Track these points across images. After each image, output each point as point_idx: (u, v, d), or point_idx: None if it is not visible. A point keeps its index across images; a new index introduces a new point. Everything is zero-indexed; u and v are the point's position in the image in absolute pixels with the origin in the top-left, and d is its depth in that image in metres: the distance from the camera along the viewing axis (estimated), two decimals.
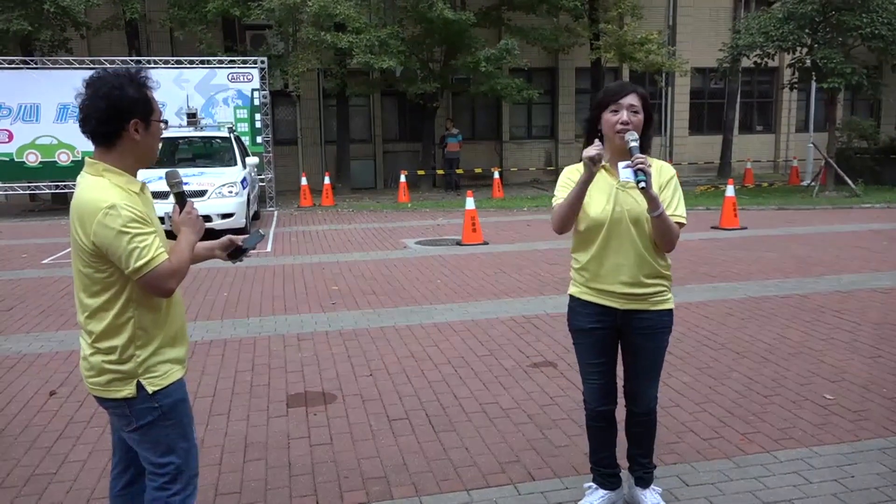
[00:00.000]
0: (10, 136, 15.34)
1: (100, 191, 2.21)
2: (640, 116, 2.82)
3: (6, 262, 9.95)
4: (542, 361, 5.24)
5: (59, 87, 15.09)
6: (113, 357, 2.28)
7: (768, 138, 24.98)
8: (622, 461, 3.23)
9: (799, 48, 16.18)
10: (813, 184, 17.35)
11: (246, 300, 7.35)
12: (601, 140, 2.92)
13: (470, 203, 10.88)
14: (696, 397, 4.49)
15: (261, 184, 15.78)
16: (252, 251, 2.73)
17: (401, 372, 5.08)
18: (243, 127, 16.37)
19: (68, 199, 17.66)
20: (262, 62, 16.68)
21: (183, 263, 2.30)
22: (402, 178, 17.51)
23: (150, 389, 2.31)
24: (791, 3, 15.79)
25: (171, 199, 2.42)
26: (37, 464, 3.76)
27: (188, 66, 16.29)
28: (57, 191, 16.59)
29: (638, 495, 3.18)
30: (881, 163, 18.97)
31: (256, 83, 16.51)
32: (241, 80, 16.47)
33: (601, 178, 2.90)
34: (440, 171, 20.60)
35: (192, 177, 11.35)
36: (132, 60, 16.19)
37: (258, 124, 16.63)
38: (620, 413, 3.14)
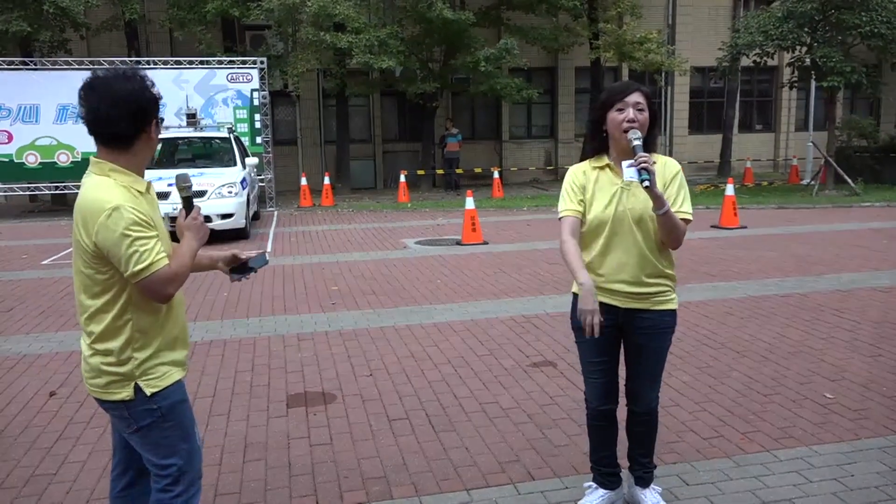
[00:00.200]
0: (10, 137, 15.35)
1: (104, 191, 2.20)
2: (646, 115, 2.82)
3: (6, 262, 9.95)
4: (541, 361, 5.24)
5: (59, 88, 15.11)
6: (111, 359, 2.27)
7: (768, 137, 24.98)
8: (622, 461, 3.23)
9: (798, 47, 16.18)
10: (813, 183, 17.35)
11: (246, 300, 7.36)
12: (606, 140, 2.91)
13: (470, 203, 10.88)
14: (696, 396, 4.49)
15: (260, 184, 15.78)
16: (253, 273, 2.68)
17: (401, 372, 5.08)
18: (243, 127, 16.38)
19: (68, 200, 17.79)
20: (262, 62, 16.69)
21: (182, 269, 2.28)
22: (402, 178, 17.51)
23: (147, 391, 2.30)
24: (790, 1, 15.79)
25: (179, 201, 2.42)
26: (36, 464, 3.76)
27: (187, 66, 16.29)
28: (57, 192, 16.60)
29: (638, 495, 3.17)
30: (881, 161, 18.96)
31: (256, 83, 16.52)
32: (241, 80, 16.47)
33: (605, 177, 2.90)
34: (440, 171, 20.60)
35: (192, 177, 11.30)
36: (132, 61, 16.21)
37: (258, 124, 16.63)
38: (621, 412, 3.14)
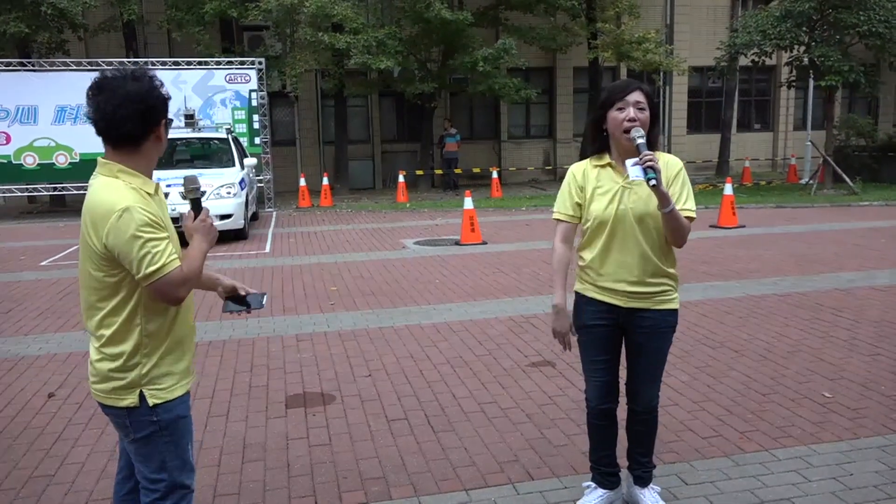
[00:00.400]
0: (8, 139, 15.32)
1: (114, 193, 2.15)
2: (647, 113, 2.81)
3: (4, 264, 9.94)
4: (540, 361, 5.24)
5: (57, 90, 15.10)
6: (118, 364, 2.23)
7: (766, 137, 25.00)
8: (621, 460, 3.23)
9: (796, 46, 16.19)
10: (811, 182, 17.36)
11: None
12: (607, 139, 2.91)
13: (468, 203, 10.88)
14: (695, 396, 4.49)
15: (259, 185, 15.77)
16: (244, 311, 2.61)
17: (399, 372, 5.08)
18: (241, 128, 16.36)
19: (66, 202, 17.76)
20: (260, 63, 16.68)
21: (194, 272, 2.24)
22: (401, 179, 17.51)
23: (151, 402, 2.26)
24: (788, 1, 15.80)
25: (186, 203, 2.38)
26: (35, 466, 3.75)
27: (186, 67, 16.28)
28: (55, 193, 16.58)
29: (637, 494, 3.17)
30: (879, 160, 18.98)
31: (254, 84, 16.51)
32: (239, 81, 16.46)
33: (607, 176, 2.90)
34: (439, 171, 20.61)
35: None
36: (130, 62, 16.19)
37: (256, 125, 16.62)
38: (621, 412, 3.14)
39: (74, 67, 15.69)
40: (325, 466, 3.68)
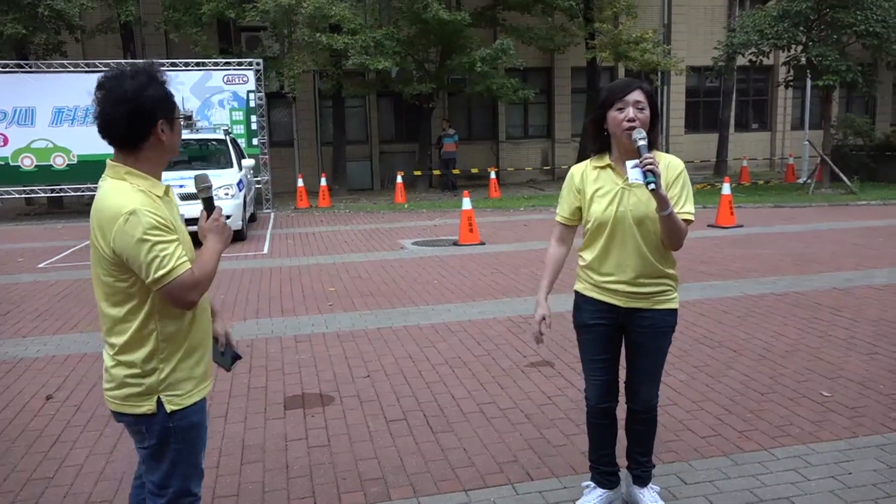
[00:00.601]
0: (6, 140, 15.30)
1: (121, 196, 2.10)
2: (647, 113, 2.80)
3: (2, 266, 9.92)
4: (539, 361, 5.24)
5: (55, 91, 15.07)
6: (135, 370, 2.18)
7: (764, 136, 25.03)
8: (620, 460, 3.23)
9: (794, 46, 16.22)
10: (809, 181, 17.38)
11: (243, 302, 7.35)
12: (607, 139, 2.91)
13: (466, 203, 10.88)
14: (694, 395, 4.49)
15: (257, 186, 15.76)
16: (217, 363, 2.53)
17: (398, 373, 5.08)
18: (239, 129, 16.35)
19: (63, 203, 17.72)
20: (258, 64, 16.67)
21: (206, 274, 2.18)
22: (399, 179, 17.51)
23: (168, 408, 2.21)
24: (785, 0, 15.82)
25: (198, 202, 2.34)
26: (33, 468, 3.75)
27: (183, 68, 16.25)
28: (53, 195, 16.55)
29: (636, 494, 3.17)
30: (877, 160, 19.01)
31: (252, 85, 16.50)
32: (237, 82, 16.45)
33: (607, 177, 2.90)
34: (437, 172, 20.60)
35: (189, 179, 11.31)
36: (127, 63, 16.17)
37: (254, 126, 16.62)
38: (620, 411, 3.14)
39: (72, 69, 15.66)
40: (325, 467, 3.68)
